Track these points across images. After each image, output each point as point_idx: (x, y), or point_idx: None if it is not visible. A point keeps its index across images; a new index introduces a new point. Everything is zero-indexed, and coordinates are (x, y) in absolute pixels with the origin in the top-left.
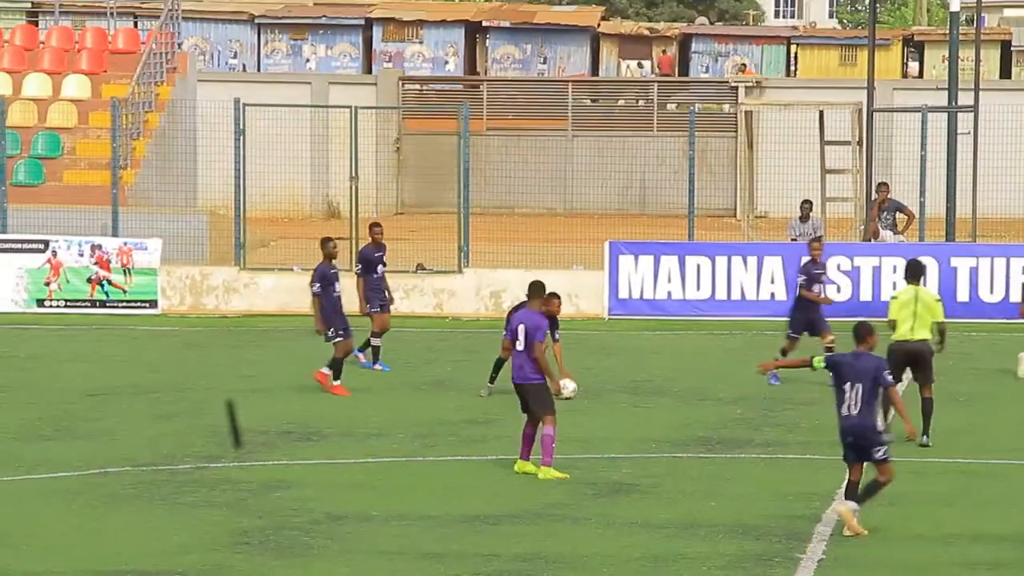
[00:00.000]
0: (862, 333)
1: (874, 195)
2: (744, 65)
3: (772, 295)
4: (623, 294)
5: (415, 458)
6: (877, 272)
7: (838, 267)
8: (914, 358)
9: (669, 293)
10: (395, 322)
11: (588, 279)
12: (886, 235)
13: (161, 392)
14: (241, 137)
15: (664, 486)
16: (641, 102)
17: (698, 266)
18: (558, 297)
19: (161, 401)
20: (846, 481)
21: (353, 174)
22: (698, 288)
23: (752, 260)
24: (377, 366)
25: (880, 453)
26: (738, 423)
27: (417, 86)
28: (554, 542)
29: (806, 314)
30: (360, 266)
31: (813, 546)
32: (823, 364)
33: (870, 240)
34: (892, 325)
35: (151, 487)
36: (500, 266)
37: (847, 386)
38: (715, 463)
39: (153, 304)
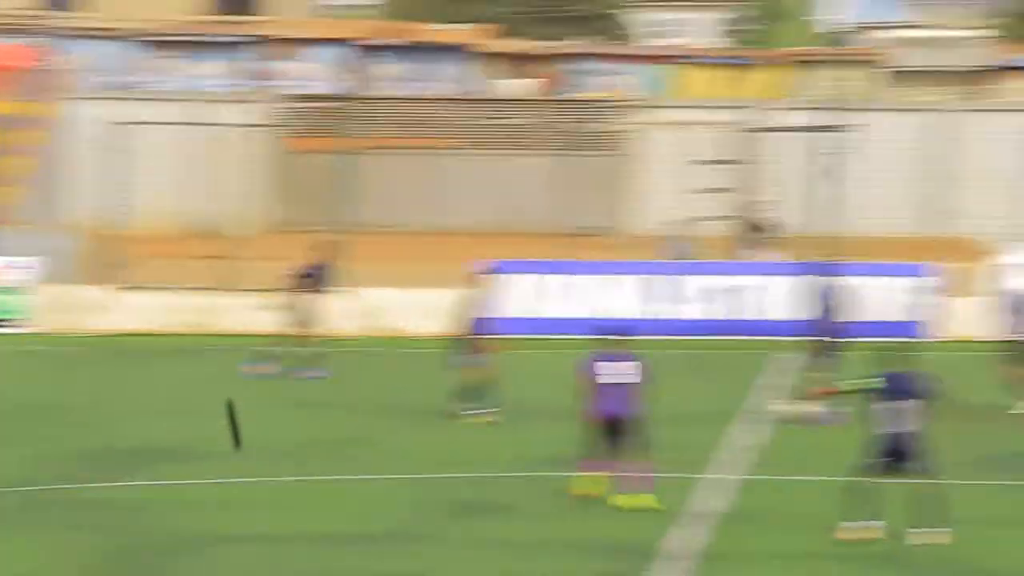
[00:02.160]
0: None
1: (748, 213)
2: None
3: (656, 315)
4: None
5: (285, 477)
6: (750, 291)
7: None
8: None
9: (548, 311)
10: (267, 341)
11: None
12: (757, 254)
13: (28, 412)
14: (120, 155)
15: (520, 504)
16: (523, 120)
17: (577, 285)
18: None
19: (28, 421)
20: None
21: (233, 192)
22: (577, 306)
23: (631, 279)
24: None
25: None
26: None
27: (299, 104)
28: (415, 561)
29: None
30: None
31: (659, 564)
32: None
33: (738, 259)
34: None
35: (10, 510)
36: (380, 285)
37: None
38: (570, 481)
39: (25, 323)
